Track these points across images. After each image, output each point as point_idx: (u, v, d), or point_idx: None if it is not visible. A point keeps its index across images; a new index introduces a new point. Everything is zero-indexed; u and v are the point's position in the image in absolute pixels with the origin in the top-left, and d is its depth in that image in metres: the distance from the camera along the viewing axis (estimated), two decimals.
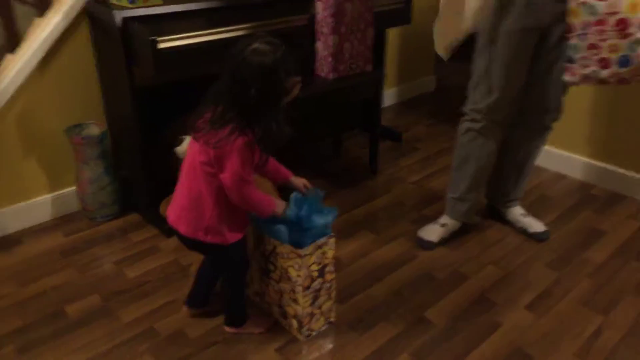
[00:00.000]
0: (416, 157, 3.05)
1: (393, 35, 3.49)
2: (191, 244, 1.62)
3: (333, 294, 1.82)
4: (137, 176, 2.37)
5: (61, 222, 2.37)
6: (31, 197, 2.32)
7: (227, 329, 1.78)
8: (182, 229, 1.57)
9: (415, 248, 2.24)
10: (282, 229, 1.67)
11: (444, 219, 2.31)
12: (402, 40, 3.61)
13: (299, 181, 1.74)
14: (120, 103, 2.27)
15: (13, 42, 2.15)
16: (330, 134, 2.94)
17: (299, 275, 1.68)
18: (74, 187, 2.36)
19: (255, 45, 1.41)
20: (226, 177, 1.47)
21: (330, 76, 2.46)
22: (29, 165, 2.27)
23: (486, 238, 2.33)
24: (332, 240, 1.73)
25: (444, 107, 3.73)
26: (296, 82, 1.49)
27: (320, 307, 1.79)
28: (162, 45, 1.94)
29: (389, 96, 3.73)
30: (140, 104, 2.16)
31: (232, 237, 1.59)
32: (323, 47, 2.45)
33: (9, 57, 2.15)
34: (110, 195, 2.35)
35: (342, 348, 1.74)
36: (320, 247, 1.70)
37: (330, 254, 1.74)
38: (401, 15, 2.89)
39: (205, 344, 1.74)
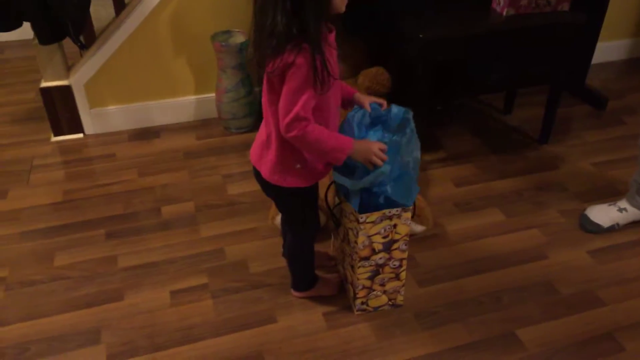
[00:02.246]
0: (615, 133, 2.37)
1: None
2: (270, 189, 1.38)
3: (402, 276, 1.53)
4: None
5: (200, 124, 2.45)
6: (178, 95, 2.43)
7: (294, 293, 1.61)
8: (264, 171, 1.34)
9: (549, 248, 1.76)
10: (348, 182, 1.41)
11: (624, 203, 1.84)
12: None
13: (366, 99, 1.36)
14: None
15: None
16: (503, 87, 2.43)
17: (356, 242, 1.43)
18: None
19: None
20: (279, 108, 1.18)
21: (505, 12, 1.97)
22: (179, 65, 2.35)
23: None
24: (407, 215, 1.42)
25: None
26: None
27: (383, 285, 1.53)
28: None
29: (616, 49, 2.94)
30: None
31: (307, 180, 1.35)
32: None
33: None
34: (243, 108, 2.33)
35: (393, 337, 1.48)
36: (389, 218, 1.41)
37: (402, 230, 1.44)
38: None
39: (258, 282, 1.65)
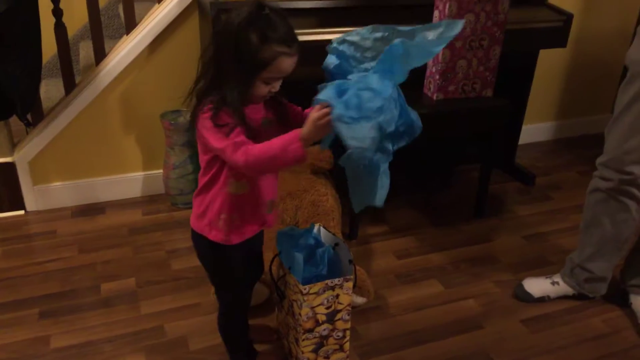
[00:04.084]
0: (544, 207, 2.53)
1: (561, 60, 2.96)
2: (197, 244, 1.40)
3: (346, 346, 1.55)
4: None
5: (147, 200, 2.46)
6: (126, 171, 2.45)
7: None
8: (192, 220, 1.37)
9: (485, 318, 1.83)
10: (298, 257, 1.46)
11: (557, 277, 1.92)
12: (574, 69, 3.04)
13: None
14: None
15: (131, 24, 2.27)
16: (439, 165, 2.59)
17: (300, 314, 1.45)
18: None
19: (245, 7, 1.17)
20: (220, 154, 1.21)
21: (435, 97, 2.14)
22: (127, 142, 2.39)
23: (590, 326, 1.80)
24: (349, 285, 1.46)
25: None
26: (279, 53, 1.15)
27: (327, 358, 1.54)
28: None
29: (542, 130, 3.19)
30: None
31: (229, 236, 1.33)
32: (432, 62, 2.14)
33: (124, 38, 2.29)
34: (190, 184, 2.37)
35: None
36: (332, 288, 1.45)
37: (344, 299, 1.48)
38: (555, 36, 2.42)
39: None
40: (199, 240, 1.38)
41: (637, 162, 1.61)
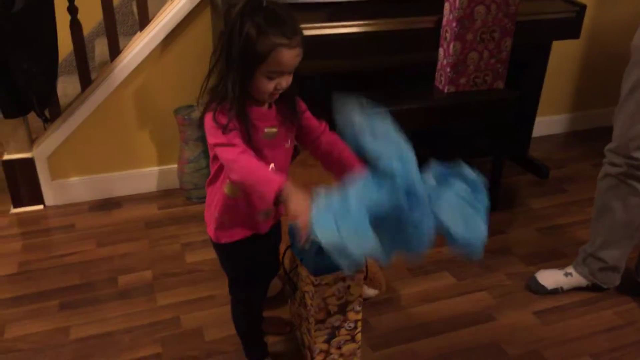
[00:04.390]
0: (557, 200, 2.52)
1: (575, 51, 2.94)
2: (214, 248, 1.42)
3: (358, 337, 1.57)
4: None
5: (162, 195, 2.50)
6: (141, 166, 2.49)
7: None
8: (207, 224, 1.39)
9: (497, 310, 1.84)
10: (310, 248, 1.47)
11: (570, 269, 1.92)
12: (588, 60, 3.02)
13: None
14: None
15: (144, 21, 2.30)
16: (451, 158, 2.58)
17: (312, 305, 1.47)
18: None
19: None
20: (217, 152, 1.20)
21: (446, 89, 2.14)
22: (143, 137, 2.43)
23: (603, 318, 1.80)
24: (360, 276, 1.48)
25: None
26: (277, 45, 1.11)
27: (339, 348, 1.56)
28: None
29: (556, 123, 3.17)
30: None
31: (219, 233, 1.33)
32: (443, 55, 2.14)
33: (137, 35, 2.32)
34: (204, 178, 2.39)
35: None
36: (343, 280, 1.47)
37: (355, 291, 1.49)
38: (568, 27, 2.40)
39: (213, 350, 1.66)
40: (212, 241, 1.40)
41: None
